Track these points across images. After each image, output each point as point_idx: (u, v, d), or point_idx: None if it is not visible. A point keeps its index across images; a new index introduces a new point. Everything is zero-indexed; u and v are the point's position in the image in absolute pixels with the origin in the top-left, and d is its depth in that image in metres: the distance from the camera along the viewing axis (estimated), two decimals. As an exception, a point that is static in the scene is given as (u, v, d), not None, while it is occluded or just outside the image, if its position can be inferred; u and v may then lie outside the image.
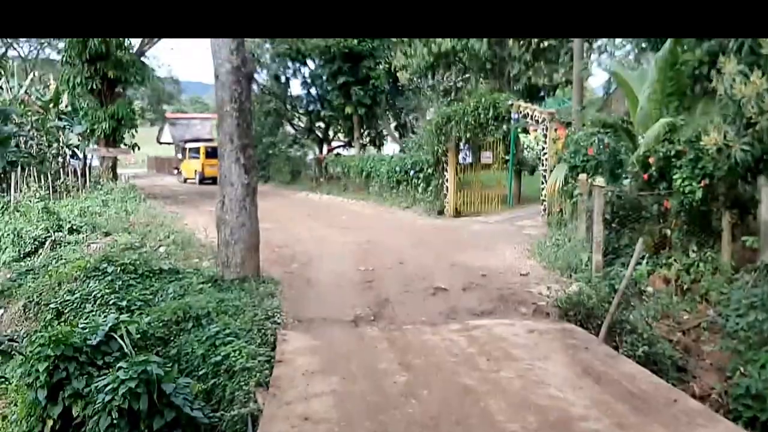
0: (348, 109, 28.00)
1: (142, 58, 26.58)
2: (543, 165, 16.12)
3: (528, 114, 16.35)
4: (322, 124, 33.76)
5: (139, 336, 6.69)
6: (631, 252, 9.71)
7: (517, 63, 21.60)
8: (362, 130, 31.20)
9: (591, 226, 9.47)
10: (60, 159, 25.23)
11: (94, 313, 8.20)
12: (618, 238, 9.89)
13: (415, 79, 24.36)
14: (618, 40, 27.90)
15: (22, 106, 28.35)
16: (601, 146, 10.05)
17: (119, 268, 9.12)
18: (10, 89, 30.37)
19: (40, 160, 24.01)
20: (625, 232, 9.98)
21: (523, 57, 21.52)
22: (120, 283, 8.79)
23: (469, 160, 18.65)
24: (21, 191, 18.98)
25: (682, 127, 9.45)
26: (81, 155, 26.10)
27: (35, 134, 25.39)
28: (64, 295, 8.82)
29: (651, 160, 9.45)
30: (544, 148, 16.05)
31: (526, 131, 21.12)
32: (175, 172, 41.84)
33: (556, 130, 14.69)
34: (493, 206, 18.74)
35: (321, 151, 33.44)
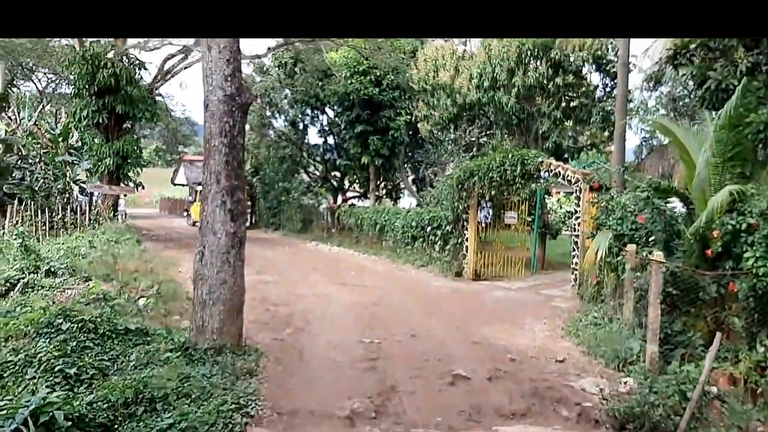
0: (365, 159, 26.88)
1: (157, 97, 25.74)
2: (575, 230, 14.65)
3: (559, 173, 14.95)
4: (337, 173, 32.70)
5: (71, 423, 5.15)
6: (688, 341, 8.16)
7: (546, 120, 20.29)
8: (378, 182, 30.04)
9: (641, 307, 7.90)
10: (66, 195, 24.38)
11: (36, 380, 6.70)
12: (670, 322, 8.28)
13: (435, 131, 23.19)
14: (653, 102, 26.75)
15: (31, 139, 27.62)
16: (655, 213, 8.53)
17: (77, 325, 7.61)
18: (20, 120, 29.73)
19: (46, 194, 23.12)
20: (678, 316, 8.38)
21: (552, 114, 20.22)
22: (74, 344, 7.28)
23: (490, 219, 17.32)
24: (13, 225, 17.84)
25: (753, 196, 7.95)
26: (88, 192, 25.25)
27: (43, 168, 24.53)
28: (7, 355, 7.31)
29: (715, 233, 7.94)
30: (576, 211, 14.60)
31: (548, 192, 19.86)
32: (185, 214, 40.86)
33: (591, 191, 13.27)
34: (515, 270, 17.23)
35: (335, 201, 32.22)
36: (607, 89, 21.46)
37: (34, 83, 38.96)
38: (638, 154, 26.19)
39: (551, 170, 15.18)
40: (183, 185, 51.14)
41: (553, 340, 9.52)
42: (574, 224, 14.80)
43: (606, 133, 24.60)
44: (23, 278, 12.02)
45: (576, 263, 14.37)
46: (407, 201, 32.74)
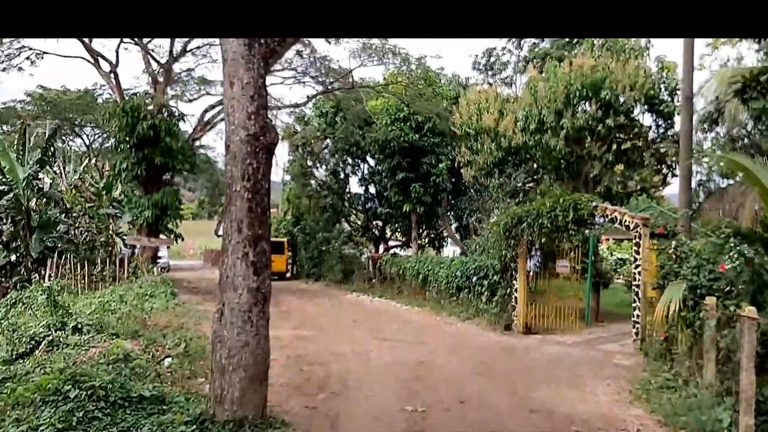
0: (406, 207, 26.17)
1: (196, 147, 25.67)
2: (635, 278, 13.49)
3: (616, 218, 13.90)
4: (379, 222, 32.04)
5: None
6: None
7: (597, 163, 19.25)
8: (421, 230, 29.25)
9: (728, 370, 6.76)
10: (109, 247, 24.30)
11: (36, 458, 5.95)
12: (760, 386, 7.08)
13: (479, 177, 22.32)
14: (708, 144, 25.44)
15: (75, 192, 27.86)
16: (741, 262, 7.42)
17: (86, 393, 6.87)
18: (66, 174, 30.13)
19: (89, 247, 23.05)
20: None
21: (604, 156, 19.19)
22: (81, 414, 6.53)
23: (539, 267, 16.26)
24: (49, 279, 17.59)
25: None
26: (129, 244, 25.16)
27: (87, 221, 24.54)
28: (9, 427, 6.59)
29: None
30: (636, 259, 13.46)
31: (597, 240, 18.75)
32: (227, 265, 40.58)
33: (653, 237, 12.17)
34: (568, 323, 15.97)
35: (377, 250, 31.46)
36: (660, 130, 20.40)
37: (82, 139, 39.86)
38: (695, 198, 24.80)
39: (607, 215, 14.14)
40: (226, 236, 51.19)
41: (620, 406, 8.35)
42: (634, 273, 13.66)
43: (658, 177, 23.46)
44: (48, 335, 11.48)
45: (638, 316, 13.20)
46: (450, 249, 31.81)
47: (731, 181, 23.10)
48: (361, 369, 10.22)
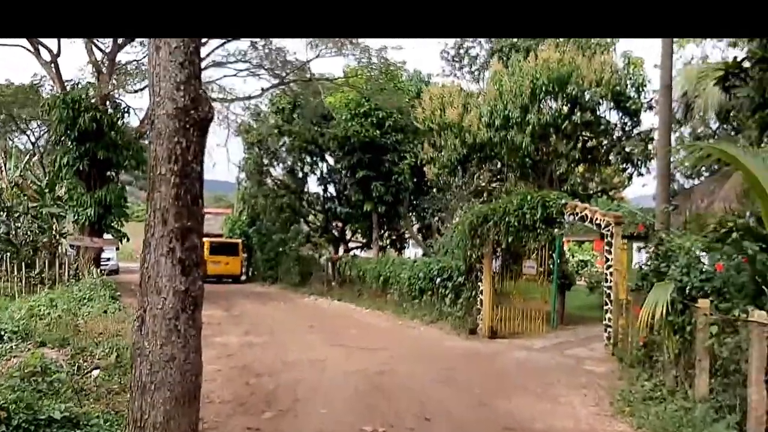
0: (367, 207, 25.24)
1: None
2: (607, 280, 12.83)
3: (586, 217, 13.23)
4: (339, 223, 31.03)
5: None
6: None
7: (564, 161, 18.64)
8: (382, 231, 28.32)
9: (730, 383, 5.99)
10: (52, 248, 22.79)
11: None
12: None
13: (443, 175, 21.49)
14: (673, 143, 25.17)
15: (16, 190, 26.12)
16: (740, 260, 6.64)
17: (-20, 417, 5.74)
18: (6, 172, 28.36)
19: (33, 248, 21.55)
20: None
21: (570, 154, 18.58)
22: (-29, 444, 5.41)
23: (502, 268, 15.77)
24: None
25: None
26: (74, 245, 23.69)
27: (30, 221, 22.98)
28: None
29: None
30: (608, 259, 12.80)
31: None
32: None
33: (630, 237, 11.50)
34: (534, 326, 15.29)
35: (336, 252, 30.42)
36: (627, 128, 19.91)
37: (27, 135, 37.79)
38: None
39: (576, 213, 13.46)
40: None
41: (602, 420, 7.54)
42: (605, 274, 13.00)
43: (618, 179, 23.00)
44: (-35, 345, 10.19)
45: (609, 319, 12.53)
46: (412, 251, 31.01)
47: (696, 182, 22.88)
48: (315, 380, 9.22)
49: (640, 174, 20.30)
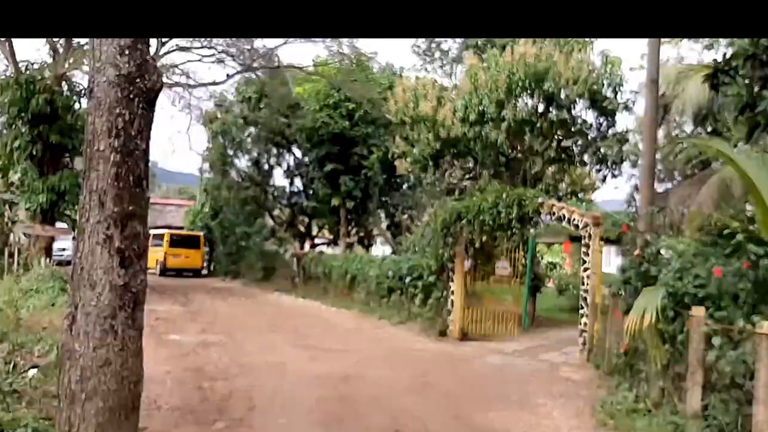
0: (335, 201, 24.50)
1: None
2: (583, 283, 12.36)
3: (563, 217, 12.75)
4: (305, 218, 30.21)
5: None
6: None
7: (539, 159, 18.18)
8: (350, 227, 27.60)
9: (730, 399, 5.46)
10: (3, 236, 21.65)
11: None
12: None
13: (415, 170, 20.86)
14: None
15: (-34, 175, 24.77)
16: (738, 266, 6.11)
17: None
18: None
19: (-17, 237, 20.47)
20: None
21: (545, 153, 18.13)
22: None
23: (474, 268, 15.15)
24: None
25: None
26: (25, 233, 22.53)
27: (-18, 208, 21.79)
28: None
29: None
30: (585, 261, 12.34)
31: (525, 242, 17.81)
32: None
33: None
34: (506, 328, 14.76)
35: (302, 248, 29.59)
36: (602, 129, 19.54)
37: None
38: (631, 203, 24.21)
39: (553, 213, 12.98)
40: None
41: (585, 433, 7.01)
42: (582, 276, 12.54)
43: (588, 181, 22.68)
44: None
45: (585, 323, 12.07)
46: (380, 249, 30.36)
47: (669, 185, 22.71)
48: (275, 386, 8.47)
49: (614, 176, 19.97)
